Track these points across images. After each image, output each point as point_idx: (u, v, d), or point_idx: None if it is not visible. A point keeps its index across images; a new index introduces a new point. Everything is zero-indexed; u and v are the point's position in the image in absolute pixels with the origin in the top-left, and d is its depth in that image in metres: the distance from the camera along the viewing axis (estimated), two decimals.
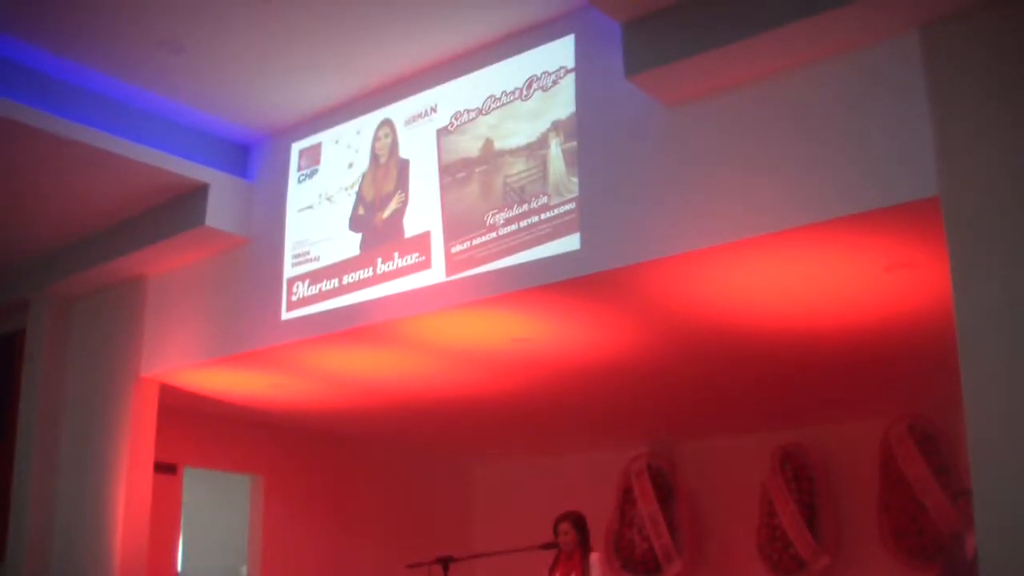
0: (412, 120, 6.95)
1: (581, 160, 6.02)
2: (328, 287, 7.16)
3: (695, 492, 10.33)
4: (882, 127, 4.98)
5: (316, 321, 7.19)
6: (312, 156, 7.54)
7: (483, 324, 6.93)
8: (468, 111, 6.64)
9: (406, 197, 6.88)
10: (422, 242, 6.69)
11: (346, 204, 7.25)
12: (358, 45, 6.60)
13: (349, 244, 7.15)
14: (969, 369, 4.47)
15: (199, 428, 9.62)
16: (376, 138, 7.16)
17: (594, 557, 6.45)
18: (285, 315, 7.39)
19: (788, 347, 7.20)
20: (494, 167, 6.45)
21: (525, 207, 6.22)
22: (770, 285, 6.08)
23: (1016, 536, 4.19)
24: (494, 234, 6.33)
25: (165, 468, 9.05)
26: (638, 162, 5.79)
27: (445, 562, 6.32)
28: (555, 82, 6.24)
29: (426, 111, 6.88)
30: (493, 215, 6.37)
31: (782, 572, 9.39)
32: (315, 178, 7.48)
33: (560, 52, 6.25)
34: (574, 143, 6.07)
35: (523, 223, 6.21)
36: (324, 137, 7.48)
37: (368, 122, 7.22)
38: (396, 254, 6.82)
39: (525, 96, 6.38)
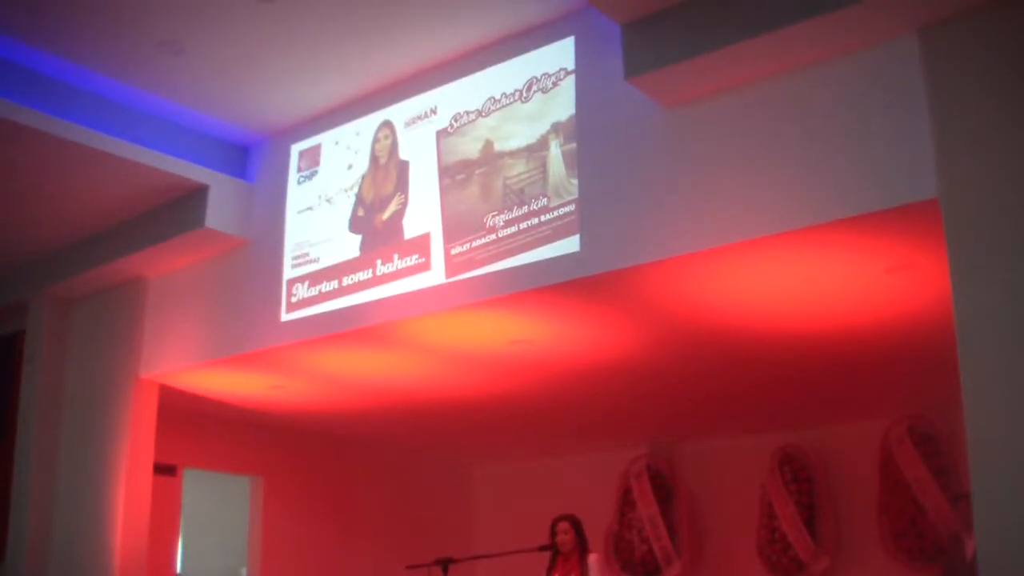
0: (412, 122, 6.96)
1: (581, 162, 6.02)
2: (328, 288, 7.16)
3: (695, 494, 10.34)
4: (882, 129, 4.98)
5: (316, 322, 7.19)
6: (312, 157, 7.54)
7: (483, 326, 6.93)
8: (468, 113, 6.64)
9: (406, 199, 6.88)
10: (422, 244, 6.69)
11: (346, 205, 7.25)
12: (358, 46, 6.61)
13: (349, 245, 7.15)
14: (969, 370, 4.48)
15: (199, 429, 9.61)
16: (376, 139, 7.16)
17: (592, 558, 6.45)
18: (285, 316, 7.39)
19: (788, 349, 7.20)
20: (494, 169, 6.45)
21: (525, 209, 6.22)
22: (770, 287, 6.08)
23: (1015, 538, 4.19)
24: (494, 236, 6.33)
25: (165, 469, 9.05)
26: (638, 164, 5.79)
27: (445, 563, 6.31)
28: (555, 84, 6.25)
29: (426, 113, 6.88)
30: (493, 217, 6.37)
31: (781, 573, 9.39)
32: (315, 179, 7.48)
33: (560, 54, 6.25)
34: (574, 145, 6.07)
35: (523, 225, 6.21)
36: (324, 138, 7.48)
37: (368, 123, 7.22)
38: (396, 256, 6.82)
39: (525, 98, 6.38)
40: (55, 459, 8.68)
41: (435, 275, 6.56)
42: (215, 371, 8.09)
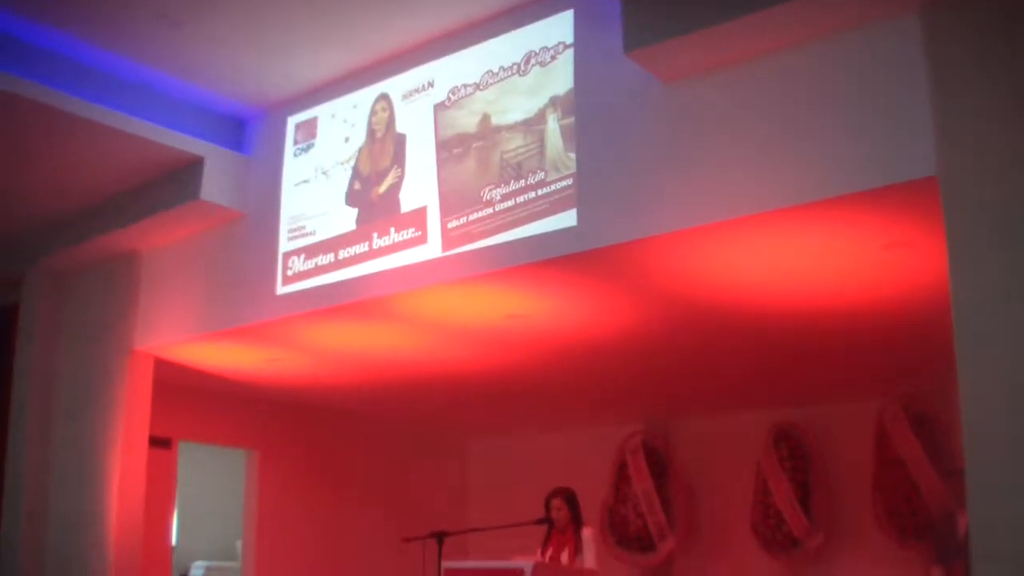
0: (409, 95, 6.92)
1: (579, 136, 5.99)
2: (324, 262, 7.15)
3: (690, 470, 10.37)
4: (881, 106, 4.96)
5: (311, 296, 7.17)
6: (308, 130, 7.50)
7: (479, 300, 6.92)
8: (465, 86, 6.61)
9: (402, 172, 6.86)
10: (418, 217, 6.67)
11: (342, 178, 7.22)
12: (355, 19, 6.55)
13: (345, 219, 7.12)
14: (964, 348, 4.47)
15: (194, 402, 9.62)
16: (373, 112, 7.13)
17: (587, 532, 6.48)
18: (280, 289, 7.38)
19: (784, 325, 7.20)
20: (491, 143, 6.42)
21: (522, 183, 6.20)
22: (767, 263, 6.07)
23: (1008, 516, 4.19)
24: (491, 210, 6.31)
25: (160, 442, 9.07)
26: (636, 138, 5.76)
27: (440, 536, 6.33)
28: (553, 57, 6.21)
29: (423, 86, 6.85)
30: (490, 191, 6.34)
31: (775, 550, 9.43)
32: (311, 152, 7.45)
33: (559, 27, 6.21)
34: (572, 119, 6.04)
35: (520, 199, 6.19)
36: (320, 111, 7.44)
37: (365, 96, 7.18)
38: (392, 229, 6.80)
39: (523, 71, 6.35)
40: (50, 431, 8.67)
41: (431, 249, 6.55)
42: (210, 344, 8.08)
